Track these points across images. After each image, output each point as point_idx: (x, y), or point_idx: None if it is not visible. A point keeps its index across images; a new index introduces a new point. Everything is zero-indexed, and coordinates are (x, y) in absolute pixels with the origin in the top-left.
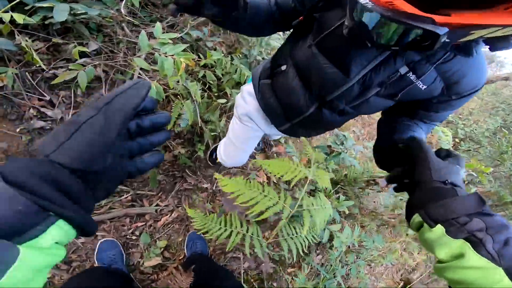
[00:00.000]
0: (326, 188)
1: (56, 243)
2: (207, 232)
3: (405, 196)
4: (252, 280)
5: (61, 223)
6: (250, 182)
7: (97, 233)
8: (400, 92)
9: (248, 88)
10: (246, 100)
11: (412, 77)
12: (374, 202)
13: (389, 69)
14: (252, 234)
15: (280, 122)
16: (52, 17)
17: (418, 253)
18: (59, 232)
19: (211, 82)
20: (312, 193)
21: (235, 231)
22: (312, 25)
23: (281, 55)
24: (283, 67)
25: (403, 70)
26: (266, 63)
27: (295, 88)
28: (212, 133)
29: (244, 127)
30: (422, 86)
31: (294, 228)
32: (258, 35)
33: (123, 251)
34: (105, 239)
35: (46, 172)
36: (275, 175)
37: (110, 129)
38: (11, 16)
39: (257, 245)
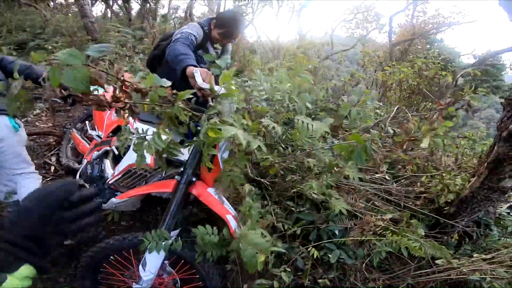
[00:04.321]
0: None
1: (26, 277)
2: None
3: None
4: None
5: (26, 266)
6: None
7: None
8: None
9: None
10: None
11: None
12: None
13: None
14: None
15: None
16: None
17: None
18: (26, 271)
19: None
20: None
21: None
22: None
23: None
24: None
25: None
26: None
27: None
28: None
29: None
30: None
31: None
32: None
33: None
34: None
35: (11, 239)
36: None
37: (46, 212)
38: None
39: None
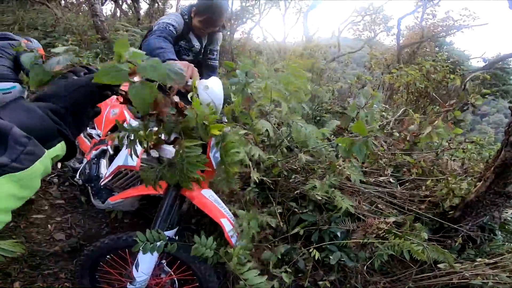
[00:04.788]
0: None
1: (56, 155)
2: None
3: None
4: None
5: (62, 143)
6: None
7: None
8: None
9: None
10: None
11: None
12: None
13: None
14: None
15: None
16: None
17: None
18: (59, 148)
19: None
20: None
21: None
22: None
23: None
24: None
25: None
26: None
27: None
28: None
29: None
30: None
31: None
32: None
33: None
34: None
35: (57, 109)
36: None
37: (94, 91)
38: None
39: None
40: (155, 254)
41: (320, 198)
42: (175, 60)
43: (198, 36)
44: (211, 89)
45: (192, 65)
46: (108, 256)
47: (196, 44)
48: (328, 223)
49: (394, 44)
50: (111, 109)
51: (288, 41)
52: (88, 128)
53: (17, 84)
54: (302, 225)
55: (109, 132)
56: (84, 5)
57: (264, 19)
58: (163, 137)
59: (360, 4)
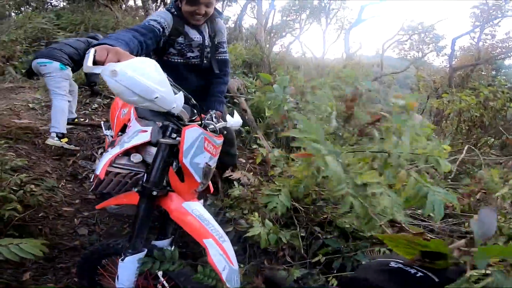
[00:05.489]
0: None
1: None
2: None
3: None
4: None
5: None
6: None
7: None
8: None
9: None
10: None
11: None
12: None
13: None
14: None
15: None
16: None
17: None
18: None
19: None
20: None
21: None
22: None
23: None
24: None
25: None
26: None
27: None
28: None
29: None
30: None
31: None
32: None
33: None
34: None
35: None
36: None
37: None
38: None
39: None
40: (135, 265)
41: (348, 225)
42: (111, 45)
43: (195, 27)
44: (123, 75)
45: (118, 48)
46: (104, 261)
47: (196, 37)
48: (354, 251)
49: (444, 66)
50: (122, 109)
51: (327, 57)
52: (103, 129)
53: (54, 62)
54: (324, 250)
55: (119, 133)
56: (140, 9)
57: (304, 34)
58: (149, 138)
59: (407, 23)
